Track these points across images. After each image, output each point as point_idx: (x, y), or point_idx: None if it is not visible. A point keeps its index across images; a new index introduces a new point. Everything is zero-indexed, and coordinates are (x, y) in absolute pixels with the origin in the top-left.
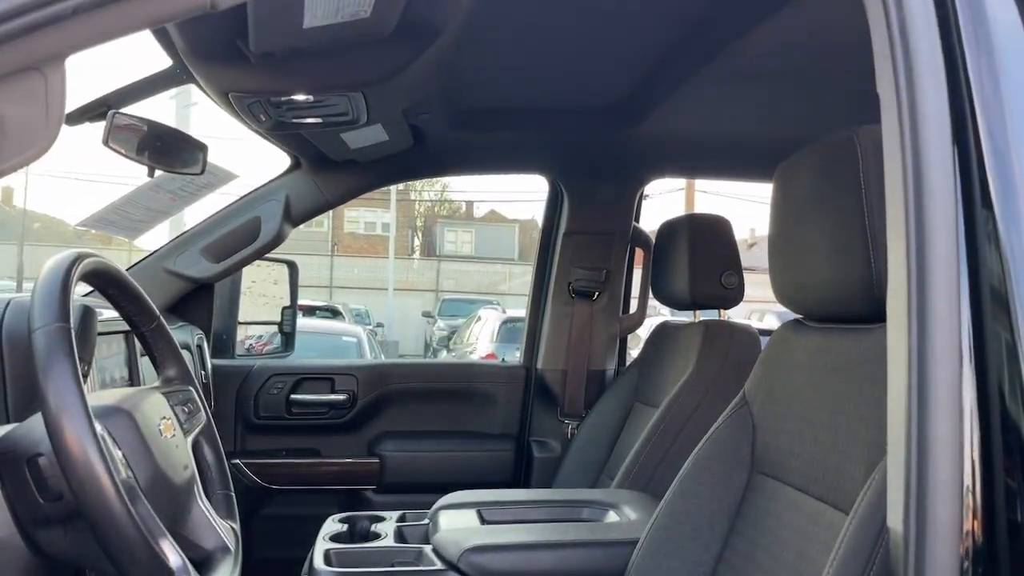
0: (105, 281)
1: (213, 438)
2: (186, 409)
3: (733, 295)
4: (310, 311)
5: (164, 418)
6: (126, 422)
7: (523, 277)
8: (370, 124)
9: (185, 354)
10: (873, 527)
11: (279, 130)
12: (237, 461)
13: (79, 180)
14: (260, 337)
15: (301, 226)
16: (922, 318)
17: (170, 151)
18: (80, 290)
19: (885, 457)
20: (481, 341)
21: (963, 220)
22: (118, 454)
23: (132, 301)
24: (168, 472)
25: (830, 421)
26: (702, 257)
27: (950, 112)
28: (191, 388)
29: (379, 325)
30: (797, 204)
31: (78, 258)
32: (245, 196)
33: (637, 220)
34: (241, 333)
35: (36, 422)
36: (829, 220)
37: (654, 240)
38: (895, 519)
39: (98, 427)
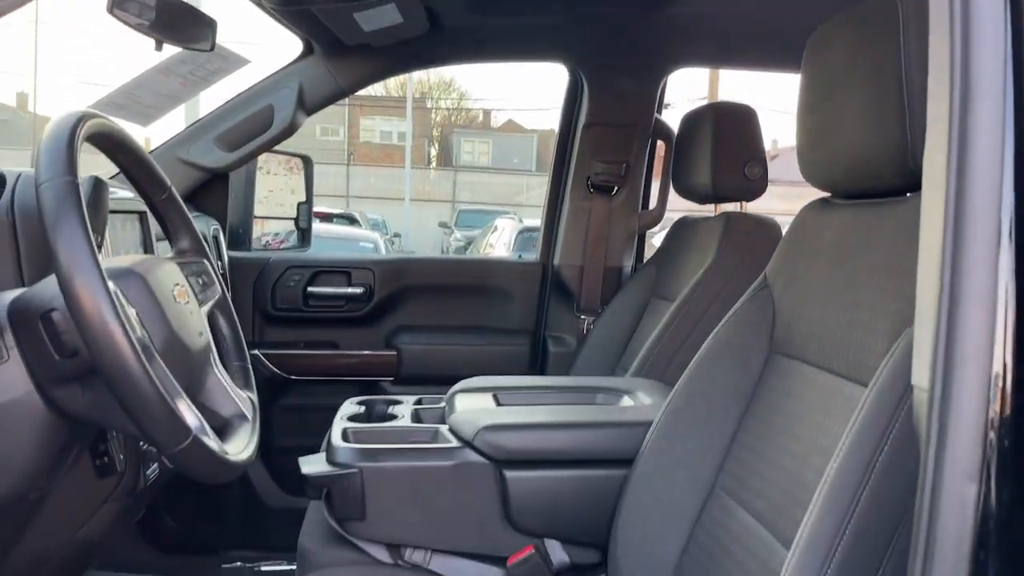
0: (114, 145)
1: (228, 311)
2: (200, 281)
3: (756, 186)
4: (327, 218)
5: (177, 284)
6: (139, 283)
7: (540, 188)
8: (384, 3)
9: None
10: (895, 391)
11: (290, 5)
12: (256, 352)
13: (92, 84)
14: (277, 234)
15: (317, 135)
16: (961, 185)
17: (178, 25)
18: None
19: (909, 328)
20: (497, 250)
21: (1012, 81)
22: (132, 312)
23: (142, 169)
24: (183, 336)
25: (853, 296)
26: (725, 147)
27: None
28: (205, 261)
29: (396, 235)
30: (831, 72)
31: (84, 116)
32: (257, 84)
33: (659, 112)
34: (257, 231)
35: (49, 281)
36: (864, 85)
37: (676, 132)
38: (920, 378)
39: (111, 285)
